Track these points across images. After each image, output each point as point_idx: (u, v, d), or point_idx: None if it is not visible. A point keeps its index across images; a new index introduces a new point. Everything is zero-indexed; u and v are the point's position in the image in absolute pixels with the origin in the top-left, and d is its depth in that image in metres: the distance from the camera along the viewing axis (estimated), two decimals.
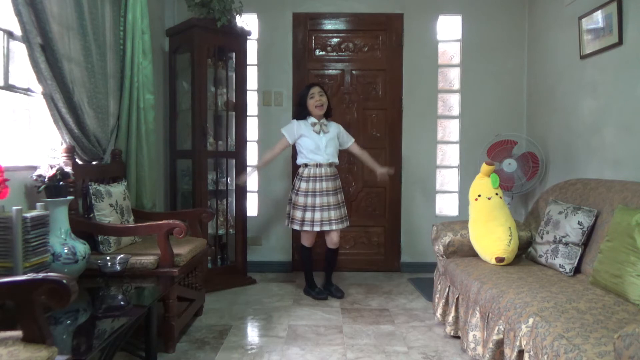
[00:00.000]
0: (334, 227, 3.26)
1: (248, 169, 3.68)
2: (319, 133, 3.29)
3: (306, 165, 3.29)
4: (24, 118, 2.37)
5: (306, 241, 3.39)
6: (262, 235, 4.15)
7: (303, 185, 3.26)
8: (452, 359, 2.38)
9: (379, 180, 3.59)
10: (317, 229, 3.25)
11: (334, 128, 3.38)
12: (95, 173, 2.68)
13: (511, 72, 4.09)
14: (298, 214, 3.27)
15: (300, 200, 3.25)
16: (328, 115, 3.40)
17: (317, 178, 3.25)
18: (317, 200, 3.24)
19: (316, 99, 3.28)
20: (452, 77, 4.19)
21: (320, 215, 3.24)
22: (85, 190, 2.52)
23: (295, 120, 3.35)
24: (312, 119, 3.32)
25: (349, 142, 3.44)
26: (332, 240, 3.35)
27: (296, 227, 3.30)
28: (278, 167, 4.12)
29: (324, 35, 4.15)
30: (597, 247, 2.26)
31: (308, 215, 3.24)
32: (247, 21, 3.79)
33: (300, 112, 3.35)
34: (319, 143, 3.27)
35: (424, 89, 4.12)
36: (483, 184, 2.75)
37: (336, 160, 3.36)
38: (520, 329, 1.81)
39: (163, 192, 3.81)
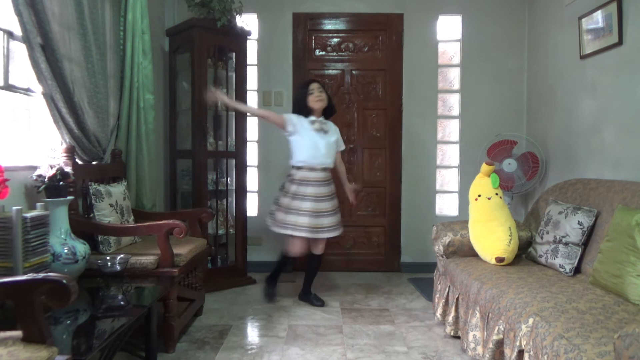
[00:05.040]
0: (327, 235, 3.09)
1: (223, 96, 3.22)
2: (318, 132, 3.10)
3: (299, 167, 3.09)
4: (24, 118, 2.37)
5: (297, 249, 3.12)
6: (262, 235, 4.15)
7: (293, 188, 3.06)
8: (452, 359, 2.38)
9: (351, 198, 3.30)
10: (311, 235, 3.05)
11: (334, 131, 3.21)
12: (95, 173, 2.68)
13: (511, 72, 4.09)
14: (291, 218, 3.04)
15: (295, 203, 3.05)
16: (330, 114, 3.25)
17: (311, 183, 3.05)
18: (309, 205, 3.02)
19: (315, 94, 3.12)
20: (452, 77, 4.19)
21: (315, 221, 3.03)
22: (85, 190, 2.52)
23: (293, 114, 3.17)
24: (312, 117, 3.14)
25: (341, 147, 3.28)
26: (319, 247, 3.19)
27: (289, 232, 3.05)
28: (278, 167, 4.11)
29: (324, 35, 4.15)
30: (597, 247, 2.26)
31: (302, 219, 3.02)
32: (247, 21, 3.78)
33: (300, 110, 3.16)
34: (317, 144, 3.07)
35: (424, 89, 4.12)
36: (483, 184, 2.75)
37: (331, 165, 3.17)
38: (520, 329, 1.81)
39: (163, 192, 3.81)
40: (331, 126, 3.22)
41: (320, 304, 3.20)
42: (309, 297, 3.26)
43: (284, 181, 3.21)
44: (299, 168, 3.11)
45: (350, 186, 3.31)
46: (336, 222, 3.15)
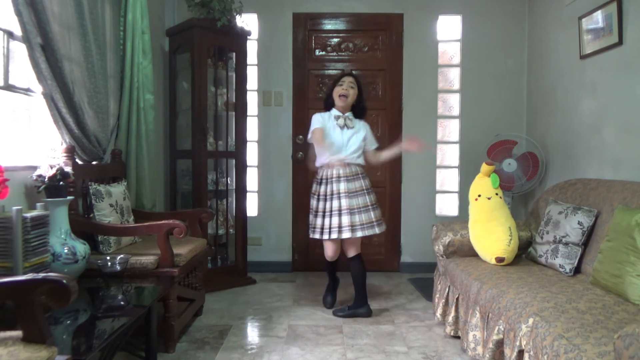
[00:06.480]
0: (364, 233, 2.83)
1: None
2: (342, 128, 2.92)
3: (322, 167, 2.92)
4: (24, 118, 2.37)
5: (328, 251, 2.95)
6: (262, 235, 4.15)
7: (322, 188, 2.89)
8: (452, 359, 2.38)
9: (412, 149, 2.94)
10: (342, 235, 2.83)
11: (363, 128, 2.98)
12: (95, 173, 2.68)
13: (511, 72, 4.09)
14: (318, 221, 2.89)
15: (320, 205, 2.89)
16: (360, 115, 3.05)
17: (336, 179, 2.85)
18: (335, 204, 2.84)
19: (343, 87, 2.92)
20: (452, 77, 4.19)
21: (341, 220, 2.82)
22: (85, 190, 2.52)
23: (317, 113, 2.98)
24: (335, 112, 2.98)
25: (373, 145, 3.02)
26: (352, 248, 2.94)
27: (317, 236, 2.91)
28: (278, 167, 4.12)
29: (324, 35, 4.15)
30: (597, 247, 2.26)
31: (327, 221, 2.86)
32: (247, 21, 3.78)
33: (326, 101, 3.02)
34: (343, 139, 2.89)
35: (424, 89, 4.12)
36: (483, 184, 2.75)
37: (360, 162, 2.95)
38: (520, 329, 1.81)
39: (163, 192, 3.81)
40: (359, 123, 3.00)
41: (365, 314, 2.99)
42: (355, 306, 3.01)
43: (313, 185, 3.03)
44: (321, 167, 2.93)
45: (400, 144, 2.97)
46: (374, 219, 2.87)
